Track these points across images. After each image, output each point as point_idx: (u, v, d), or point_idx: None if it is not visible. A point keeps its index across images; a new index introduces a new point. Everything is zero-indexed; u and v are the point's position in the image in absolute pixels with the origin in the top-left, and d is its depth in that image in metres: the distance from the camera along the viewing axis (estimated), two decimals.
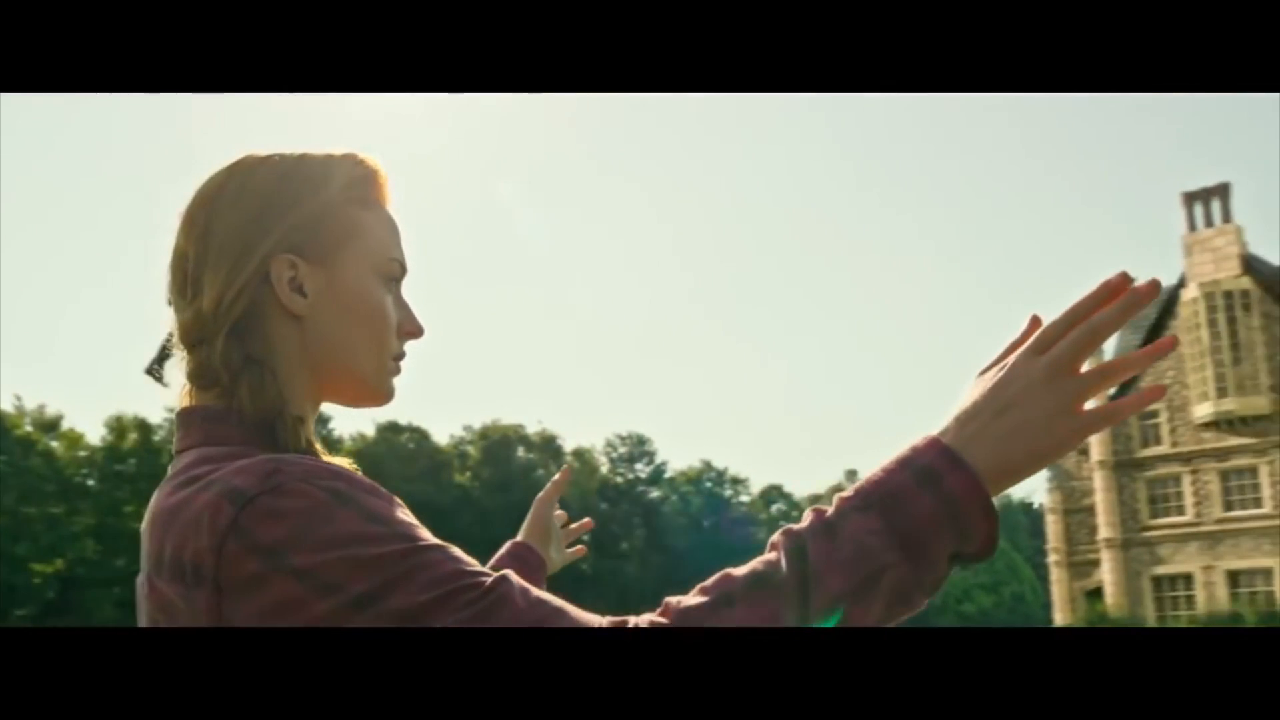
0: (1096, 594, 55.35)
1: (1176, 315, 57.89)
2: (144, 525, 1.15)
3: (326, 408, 1.34)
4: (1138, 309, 1.01)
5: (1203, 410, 55.34)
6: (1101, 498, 56.59)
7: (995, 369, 1.06)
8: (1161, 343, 1.02)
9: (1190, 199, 58.99)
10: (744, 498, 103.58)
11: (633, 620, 1.02)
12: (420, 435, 78.32)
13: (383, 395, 1.29)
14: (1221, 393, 55.52)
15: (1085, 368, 1.05)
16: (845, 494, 1.04)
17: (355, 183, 1.27)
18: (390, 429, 78.36)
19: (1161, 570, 53.84)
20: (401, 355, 1.30)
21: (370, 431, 79.60)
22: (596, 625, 1.01)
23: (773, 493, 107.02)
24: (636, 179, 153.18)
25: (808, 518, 1.04)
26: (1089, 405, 1.04)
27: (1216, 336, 55.78)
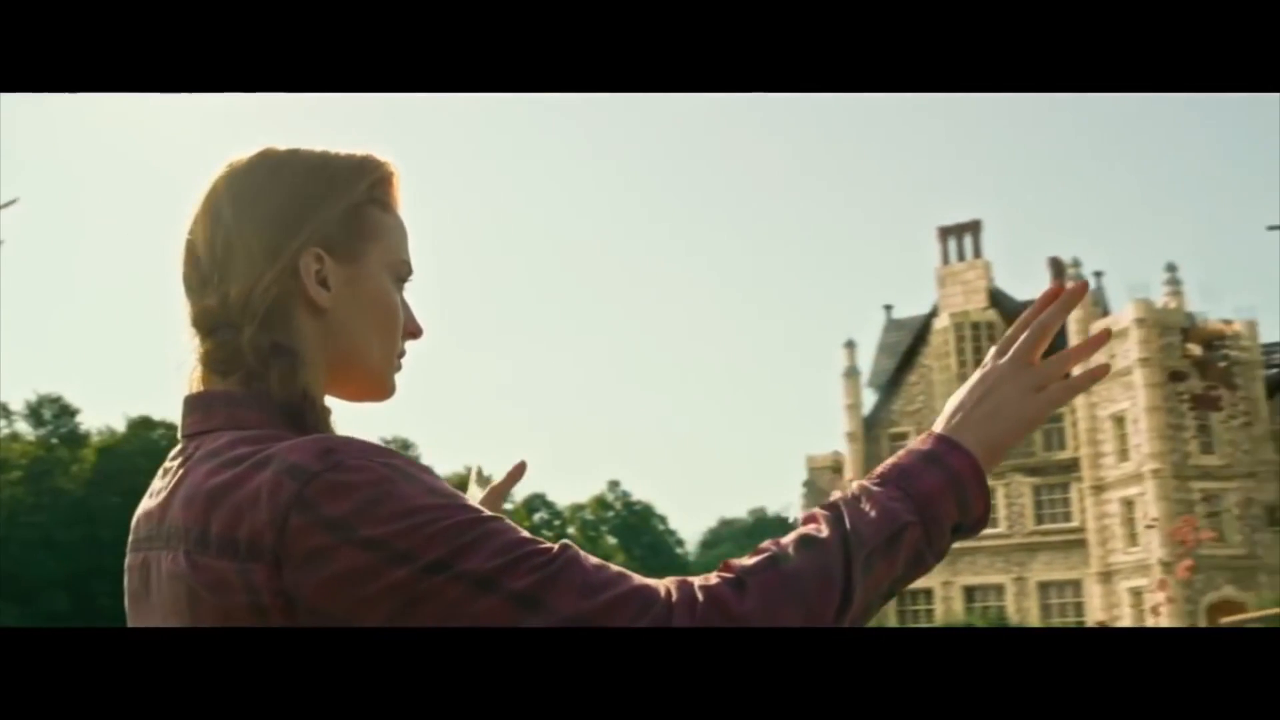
0: None
1: (929, 343, 62.31)
2: (175, 506, 1.18)
3: None
4: (1071, 307, 1.25)
5: None
6: None
7: (972, 377, 1.28)
8: (1098, 335, 1.26)
9: (945, 233, 63.40)
10: (508, 505, 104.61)
11: (697, 581, 1.10)
12: (174, 431, 77.23)
13: (388, 390, 1.35)
14: None
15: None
16: (861, 480, 1.20)
17: (377, 184, 1.33)
18: (143, 424, 76.87)
19: None
20: (403, 354, 1.36)
21: (121, 427, 77.73)
22: (659, 589, 1.08)
23: (535, 501, 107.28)
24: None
25: (835, 496, 1.20)
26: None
27: (964, 365, 59.85)
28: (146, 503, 1.28)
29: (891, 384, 65.52)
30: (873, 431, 64.91)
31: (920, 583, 58.74)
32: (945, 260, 64.28)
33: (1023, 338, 1.26)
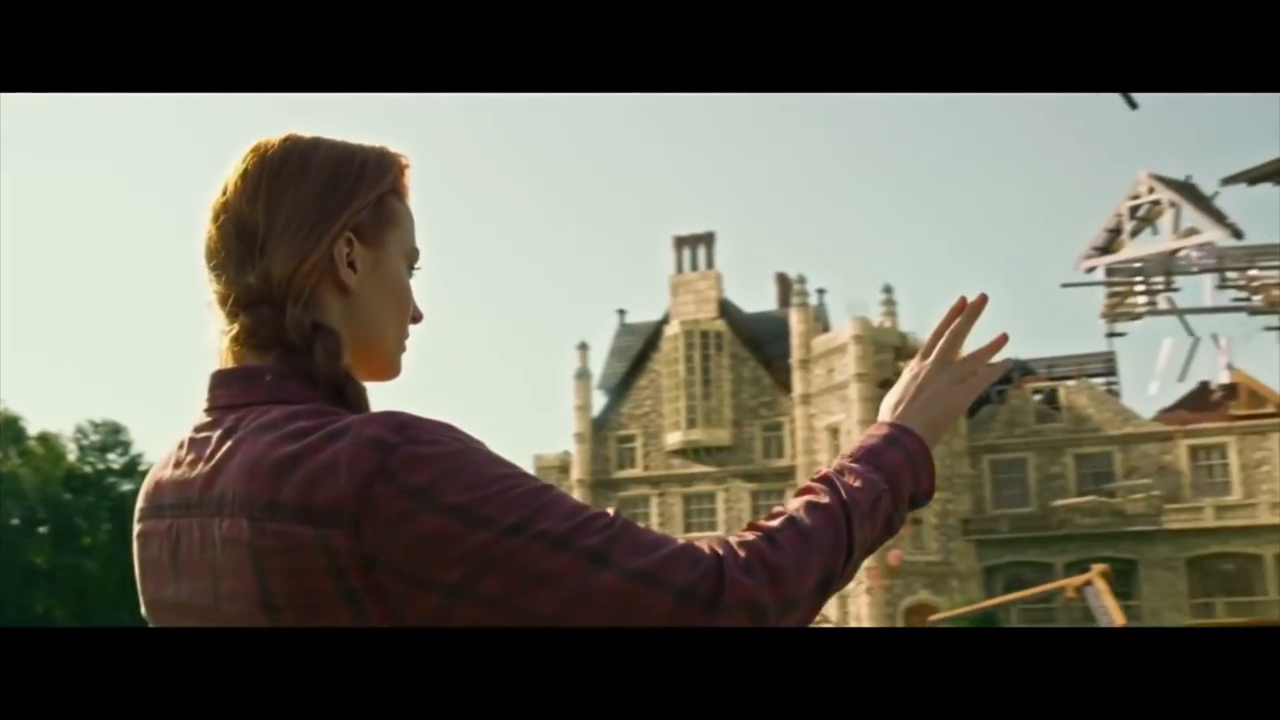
0: None
1: (659, 349, 64.47)
2: (230, 475, 1.24)
3: None
4: (976, 316, 1.51)
5: (674, 438, 62.03)
6: None
7: (903, 376, 1.52)
8: (999, 338, 1.53)
9: (680, 243, 65.66)
10: None
11: (734, 539, 1.24)
12: None
13: (396, 370, 1.44)
14: (691, 423, 62.35)
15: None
16: (837, 460, 1.40)
17: (398, 175, 1.42)
18: None
19: None
20: (408, 336, 1.45)
21: None
22: (704, 547, 1.22)
23: None
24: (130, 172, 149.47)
25: (819, 473, 1.39)
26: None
27: (691, 371, 62.53)
28: (170, 471, 1.34)
29: (622, 387, 66.71)
30: (601, 433, 65.94)
31: None
32: (679, 269, 66.04)
33: (941, 342, 1.50)
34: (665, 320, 65.67)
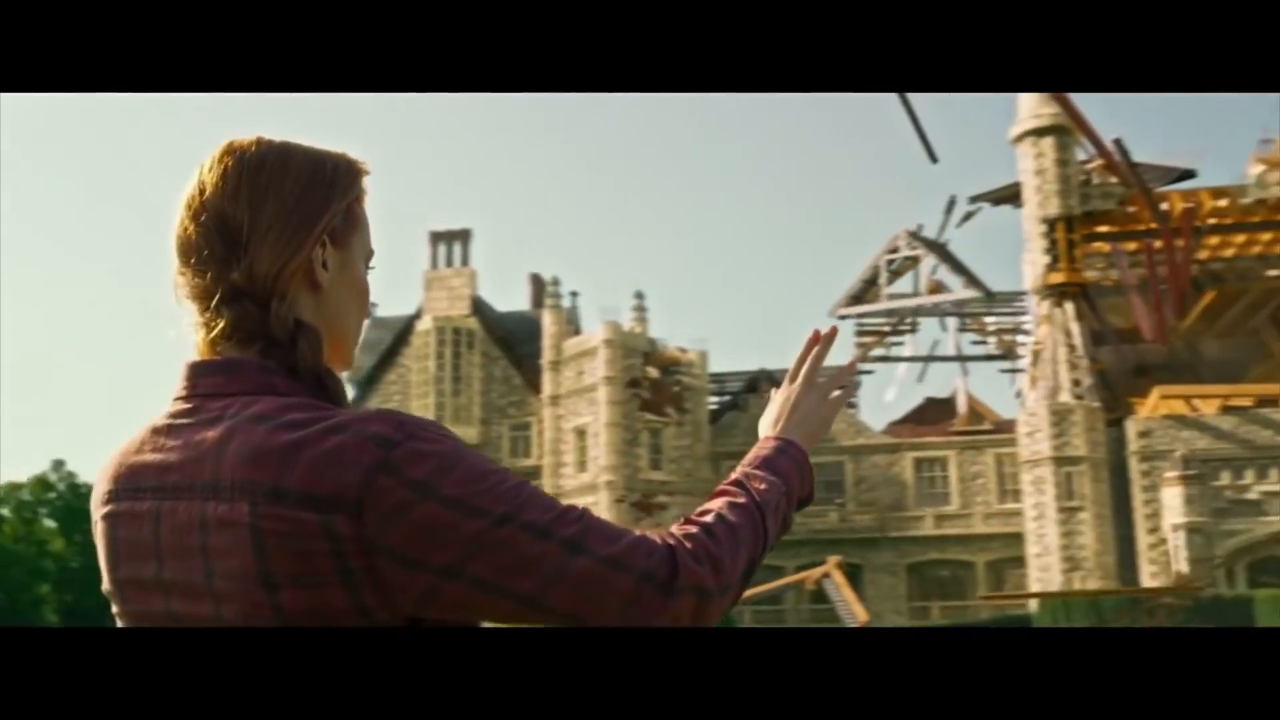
0: None
1: (410, 344, 64.16)
2: (227, 461, 1.31)
3: None
4: (830, 345, 1.73)
5: None
6: None
7: (774, 398, 1.73)
8: (851, 363, 1.80)
9: (436, 238, 65.52)
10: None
11: (677, 530, 1.41)
12: None
13: (352, 360, 1.53)
14: (439, 420, 62.51)
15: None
16: (740, 468, 1.57)
17: (362, 182, 1.52)
18: None
19: None
20: (362, 330, 1.57)
21: None
22: (656, 537, 1.37)
23: None
24: None
25: (728, 478, 1.56)
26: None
27: (442, 368, 62.57)
28: (146, 456, 1.40)
29: (369, 381, 65.58)
30: None
31: None
32: (434, 264, 65.45)
33: (805, 367, 1.72)
34: (417, 315, 65.00)
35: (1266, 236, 57.29)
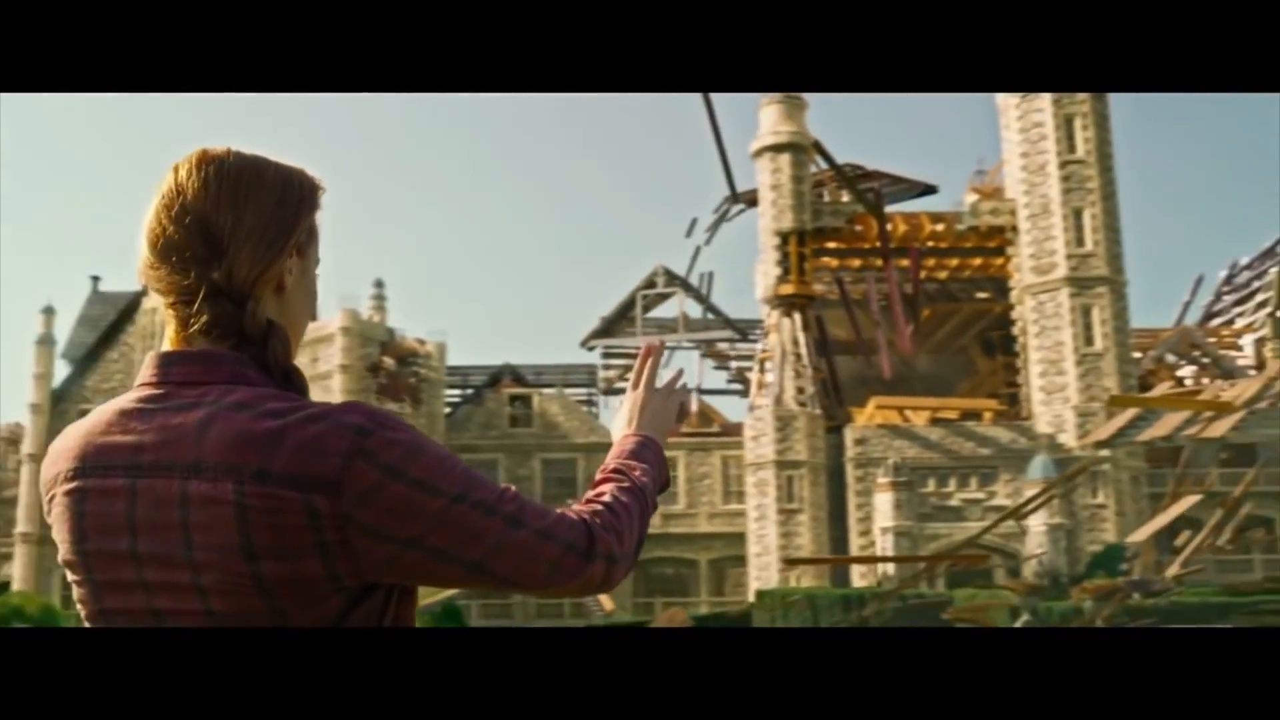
0: (4, 587, 55.10)
1: (135, 322, 62.23)
2: (210, 443, 1.44)
3: None
4: (660, 356, 1.94)
5: None
6: (25, 491, 58.12)
7: (624, 401, 1.93)
8: (679, 371, 2.00)
9: None
10: None
11: (585, 509, 1.60)
12: None
13: (294, 355, 1.65)
14: None
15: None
16: (615, 460, 1.76)
17: (320, 198, 1.67)
18: None
19: None
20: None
21: None
22: (573, 513, 1.57)
23: None
24: None
25: (606, 468, 1.75)
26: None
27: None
28: (117, 436, 1.51)
29: (89, 358, 62.34)
30: (61, 405, 61.11)
31: None
32: None
33: (646, 372, 1.93)
34: (144, 292, 62.01)
35: (977, 261, 61.33)
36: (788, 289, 57.48)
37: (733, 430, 61.02)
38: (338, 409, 1.46)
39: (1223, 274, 74.74)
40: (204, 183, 1.56)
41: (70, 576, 1.57)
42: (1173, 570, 23.52)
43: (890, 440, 52.83)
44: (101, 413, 1.56)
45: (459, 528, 1.46)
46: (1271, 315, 60.33)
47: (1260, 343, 60.71)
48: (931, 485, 51.61)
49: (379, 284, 62.64)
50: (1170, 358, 61.53)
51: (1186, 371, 59.69)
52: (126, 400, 1.54)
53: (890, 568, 47.65)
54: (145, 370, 1.56)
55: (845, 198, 59.82)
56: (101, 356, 62.48)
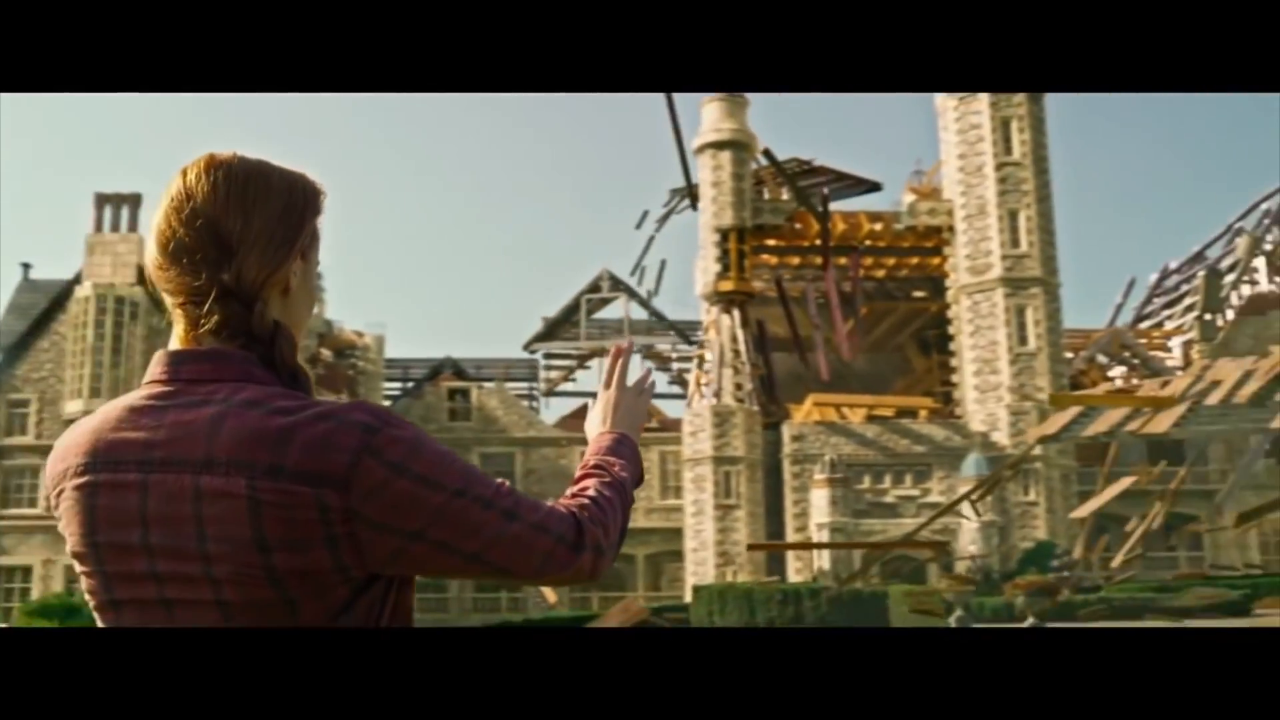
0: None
1: (67, 310, 60.46)
2: (222, 440, 1.49)
3: None
4: (629, 357, 2.03)
5: (73, 407, 58.10)
6: None
7: (596, 401, 2.00)
8: (647, 372, 2.10)
9: (102, 200, 61.66)
10: None
11: (572, 502, 1.68)
12: None
13: None
14: (95, 392, 58.78)
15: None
16: (595, 456, 1.84)
17: (321, 203, 1.73)
18: None
19: (3, 561, 56.20)
20: None
21: None
22: (563, 506, 1.66)
23: None
24: None
25: (587, 463, 1.83)
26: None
27: (101, 338, 59.32)
28: (128, 432, 1.56)
29: (20, 347, 61.24)
30: None
31: (20, 559, 56.01)
32: (98, 228, 61.84)
33: (616, 372, 2.01)
34: (77, 280, 60.89)
35: (914, 260, 61.98)
36: (727, 286, 57.73)
37: (671, 426, 61.18)
38: (345, 408, 1.53)
39: (1153, 277, 76.08)
40: (213, 187, 1.61)
41: (79, 568, 1.61)
42: (1118, 560, 24.07)
43: (827, 437, 53.26)
44: (111, 409, 1.60)
45: (459, 521, 1.53)
46: (1199, 318, 61.56)
47: (1188, 345, 61.91)
48: (867, 482, 52.08)
49: (318, 275, 61.75)
50: (1101, 358, 62.59)
51: (1117, 372, 60.75)
52: (136, 397, 1.59)
53: (825, 564, 48.08)
54: (154, 368, 1.60)
55: (785, 195, 60.23)
56: (32, 346, 61.36)
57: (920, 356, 64.59)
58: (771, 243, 60.67)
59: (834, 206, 60.39)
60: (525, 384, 69.10)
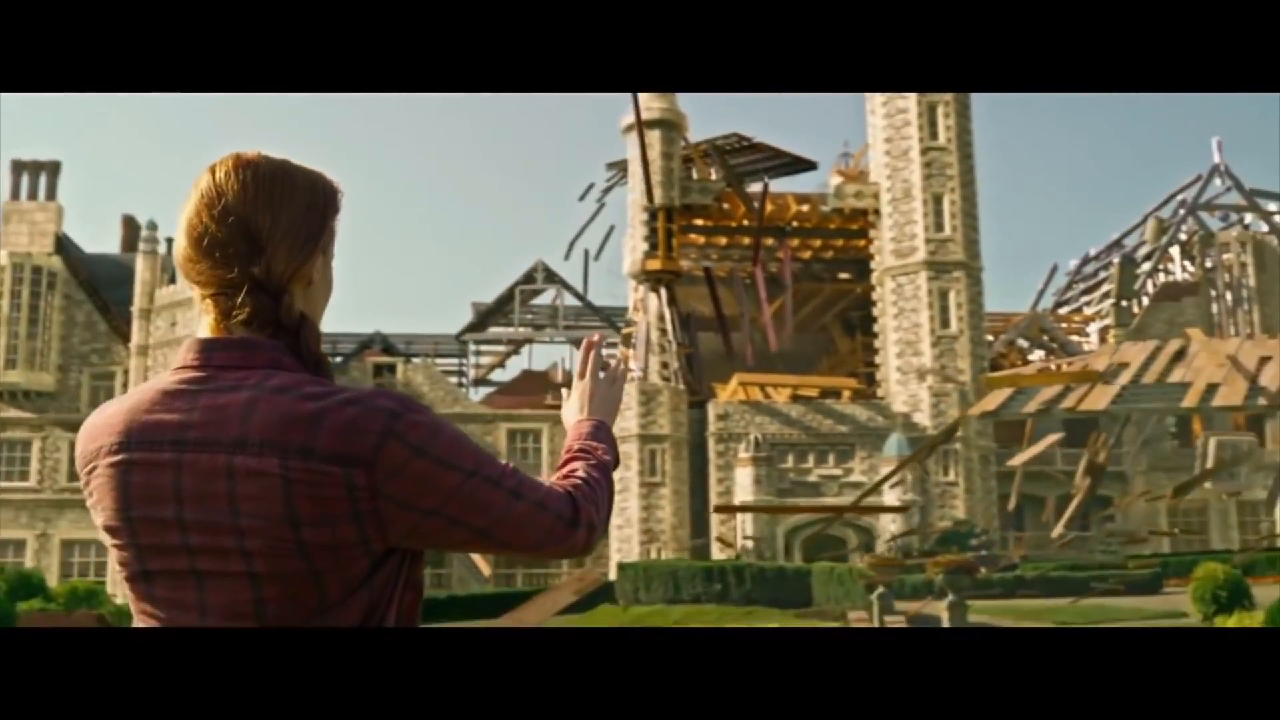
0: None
1: None
2: (255, 422, 1.60)
3: None
4: (601, 348, 2.16)
5: None
6: None
7: (573, 391, 2.12)
8: (622, 356, 2.51)
9: (19, 167, 60.64)
10: None
11: (566, 482, 1.81)
12: None
13: None
14: (10, 364, 58.21)
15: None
16: (578, 441, 1.98)
17: (340, 200, 1.83)
18: None
19: None
20: None
21: None
22: (558, 485, 1.80)
23: None
24: None
25: (570, 448, 1.96)
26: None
27: (17, 308, 58.36)
28: (161, 414, 1.65)
29: None
30: None
31: None
32: (15, 195, 60.46)
33: (590, 362, 2.13)
34: None
35: (840, 242, 62.60)
36: (654, 265, 57.93)
37: None
38: (370, 394, 1.64)
39: (1074, 264, 77.54)
40: (243, 185, 1.71)
41: (111, 541, 1.70)
42: (1057, 530, 24.62)
43: (751, 416, 53.71)
44: (144, 392, 1.69)
45: (471, 499, 1.66)
46: (1115, 304, 62.92)
47: (1104, 330, 63.28)
48: (791, 461, 52.64)
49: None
50: (1021, 341, 63.75)
51: (1036, 355, 61.90)
52: (169, 381, 1.69)
53: (749, 542, 48.58)
54: (186, 354, 1.70)
55: (714, 175, 60.52)
56: None
57: (844, 337, 65.30)
58: (699, 222, 60.94)
59: (760, 188, 60.79)
60: (455, 359, 69.00)
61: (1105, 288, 69.02)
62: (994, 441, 54.05)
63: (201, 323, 1.74)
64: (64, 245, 60.22)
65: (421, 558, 1.75)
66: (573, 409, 2.11)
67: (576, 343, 69.62)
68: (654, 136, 58.77)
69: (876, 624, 14.47)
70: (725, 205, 60.60)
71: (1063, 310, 72.70)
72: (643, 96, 59.05)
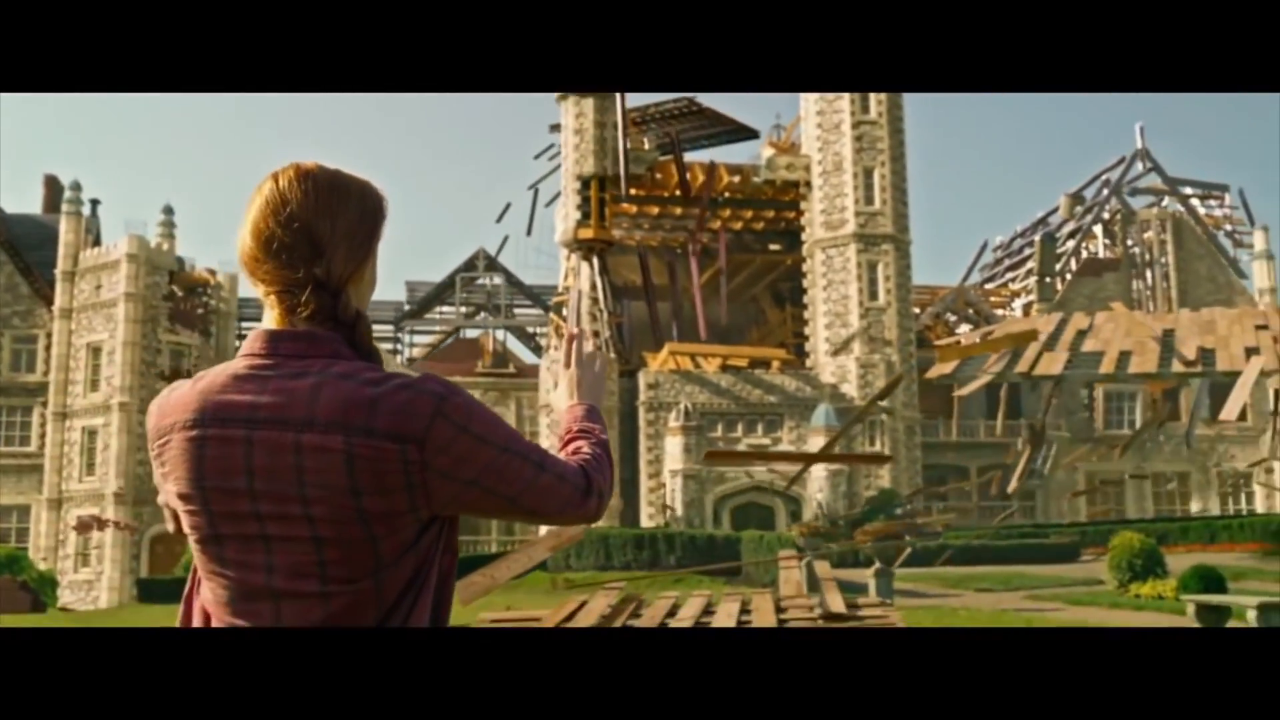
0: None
1: None
2: (321, 403, 1.78)
3: None
4: (581, 339, 2.30)
5: None
6: None
7: (561, 379, 2.29)
8: (596, 344, 2.59)
9: None
10: None
11: (575, 457, 2.01)
12: None
13: None
14: None
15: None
16: (576, 422, 2.15)
17: (386, 207, 2.01)
18: None
19: None
20: None
21: None
22: (570, 460, 1.99)
23: None
24: None
25: (570, 430, 2.14)
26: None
27: None
28: (234, 395, 1.83)
29: None
30: None
31: None
32: None
33: (574, 351, 2.30)
34: None
35: (771, 214, 63.07)
36: (587, 233, 57.99)
37: (528, 372, 61.47)
38: (421, 380, 1.83)
39: (1000, 240, 78.71)
40: (305, 193, 1.90)
41: (184, 507, 1.87)
42: (1013, 486, 25.22)
43: (682, 385, 54.11)
44: (216, 375, 1.88)
45: (504, 471, 1.86)
46: (1039, 280, 64.07)
47: (1028, 306, 64.43)
48: (720, 430, 53.13)
49: (168, 210, 59.94)
50: (949, 315, 64.73)
51: (962, 329, 62.87)
52: (239, 366, 1.87)
53: (678, 509, 49.03)
54: (253, 344, 1.88)
55: (647, 145, 60.62)
56: None
57: (774, 308, 65.86)
58: (632, 191, 61.05)
59: (697, 156, 61.04)
60: (390, 325, 68.81)
61: (1030, 264, 70.18)
62: (919, 413, 54.92)
63: (266, 316, 1.93)
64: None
65: (456, 524, 1.94)
66: (563, 396, 2.29)
67: (511, 328, 70.10)
68: (586, 105, 58.73)
69: (804, 583, 14.79)
70: (658, 175, 60.76)
71: (990, 285, 73.82)
72: None
